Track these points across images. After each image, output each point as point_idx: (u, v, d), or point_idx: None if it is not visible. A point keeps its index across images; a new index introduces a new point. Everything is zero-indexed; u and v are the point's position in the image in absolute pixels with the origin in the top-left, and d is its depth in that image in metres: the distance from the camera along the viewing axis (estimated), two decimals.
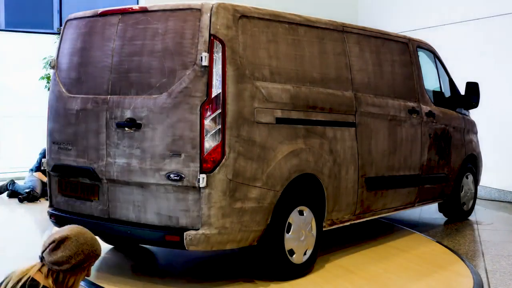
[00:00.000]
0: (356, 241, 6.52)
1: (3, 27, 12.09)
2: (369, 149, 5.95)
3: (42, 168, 5.64)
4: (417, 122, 6.70)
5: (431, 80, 7.29)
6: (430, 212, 8.16)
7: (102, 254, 5.82)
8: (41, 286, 2.83)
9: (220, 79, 4.58)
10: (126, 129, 4.85)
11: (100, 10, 5.25)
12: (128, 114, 4.84)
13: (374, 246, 6.36)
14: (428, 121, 6.89)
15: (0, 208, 8.62)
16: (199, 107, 4.57)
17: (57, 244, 2.89)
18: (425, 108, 6.87)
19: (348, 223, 5.90)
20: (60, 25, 11.35)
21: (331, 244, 6.13)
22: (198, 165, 4.56)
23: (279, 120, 4.98)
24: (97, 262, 4.37)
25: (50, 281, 2.88)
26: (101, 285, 4.87)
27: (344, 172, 5.62)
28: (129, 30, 4.97)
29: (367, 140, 5.92)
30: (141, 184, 4.80)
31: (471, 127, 8.00)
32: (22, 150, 11.36)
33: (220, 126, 4.56)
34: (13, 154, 11.51)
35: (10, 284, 2.81)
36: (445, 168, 7.31)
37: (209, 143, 4.54)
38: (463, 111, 7.85)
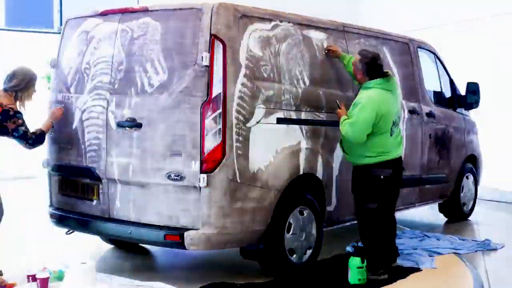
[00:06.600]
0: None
1: (3, 26, 12.09)
2: None
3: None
4: (417, 122, 6.70)
5: (431, 80, 7.28)
6: (430, 212, 8.15)
7: (102, 253, 5.91)
8: (4, 104, 4.75)
9: (221, 79, 4.58)
10: (127, 128, 4.84)
11: (101, 9, 5.25)
12: (128, 113, 4.84)
13: None
14: (428, 121, 6.89)
15: None
16: (199, 107, 4.57)
17: (11, 75, 4.93)
18: (426, 108, 6.87)
19: (348, 223, 5.89)
20: (60, 24, 11.35)
21: (332, 244, 6.12)
22: (199, 165, 4.55)
23: (279, 120, 4.98)
24: (97, 262, 4.39)
25: (11, 98, 4.87)
26: (101, 284, 4.86)
27: (344, 172, 5.61)
28: (130, 29, 4.97)
29: None
30: (142, 184, 4.80)
31: (471, 127, 7.99)
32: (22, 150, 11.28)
33: (220, 126, 4.55)
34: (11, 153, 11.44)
35: None
36: (445, 168, 7.30)
37: (210, 143, 4.53)
38: (464, 112, 7.84)
